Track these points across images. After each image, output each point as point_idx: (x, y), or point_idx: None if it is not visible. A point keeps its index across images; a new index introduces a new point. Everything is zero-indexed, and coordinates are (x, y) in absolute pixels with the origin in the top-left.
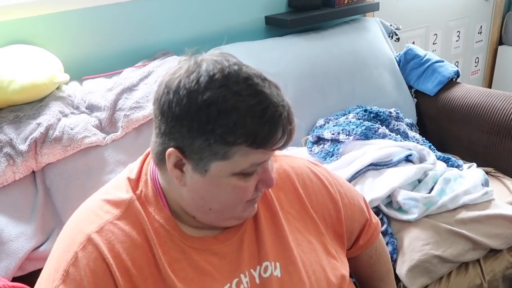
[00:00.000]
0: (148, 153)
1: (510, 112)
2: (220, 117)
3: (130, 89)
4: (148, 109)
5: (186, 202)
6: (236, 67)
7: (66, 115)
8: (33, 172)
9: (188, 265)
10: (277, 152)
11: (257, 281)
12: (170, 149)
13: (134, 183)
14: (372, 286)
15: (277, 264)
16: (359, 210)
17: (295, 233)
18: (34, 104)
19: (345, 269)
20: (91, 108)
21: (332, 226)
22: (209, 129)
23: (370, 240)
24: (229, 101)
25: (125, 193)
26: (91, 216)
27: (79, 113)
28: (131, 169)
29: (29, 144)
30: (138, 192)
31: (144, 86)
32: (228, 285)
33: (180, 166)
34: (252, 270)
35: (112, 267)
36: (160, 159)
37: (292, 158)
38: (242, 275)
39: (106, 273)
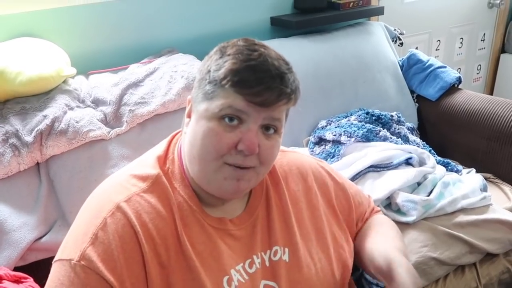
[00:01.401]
0: (175, 135)
1: (510, 119)
2: (218, 60)
3: (135, 84)
4: (153, 105)
5: (186, 157)
6: (264, 44)
7: (72, 108)
8: (38, 163)
9: (206, 240)
10: (286, 149)
11: (267, 263)
12: (188, 98)
13: (162, 161)
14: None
15: (286, 249)
16: (365, 200)
17: (304, 222)
18: (40, 97)
19: (350, 259)
20: (97, 102)
21: (343, 214)
22: (207, 70)
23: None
24: (231, 49)
25: (153, 169)
26: (119, 188)
27: (85, 107)
28: (157, 150)
29: (34, 136)
30: (165, 168)
31: (150, 82)
32: (242, 264)
33: (190, 115)
34: (263, 253)
35: (139, 234)
36: None
37: (300, 154)
38: (254, 256)
39: (133, 239)
